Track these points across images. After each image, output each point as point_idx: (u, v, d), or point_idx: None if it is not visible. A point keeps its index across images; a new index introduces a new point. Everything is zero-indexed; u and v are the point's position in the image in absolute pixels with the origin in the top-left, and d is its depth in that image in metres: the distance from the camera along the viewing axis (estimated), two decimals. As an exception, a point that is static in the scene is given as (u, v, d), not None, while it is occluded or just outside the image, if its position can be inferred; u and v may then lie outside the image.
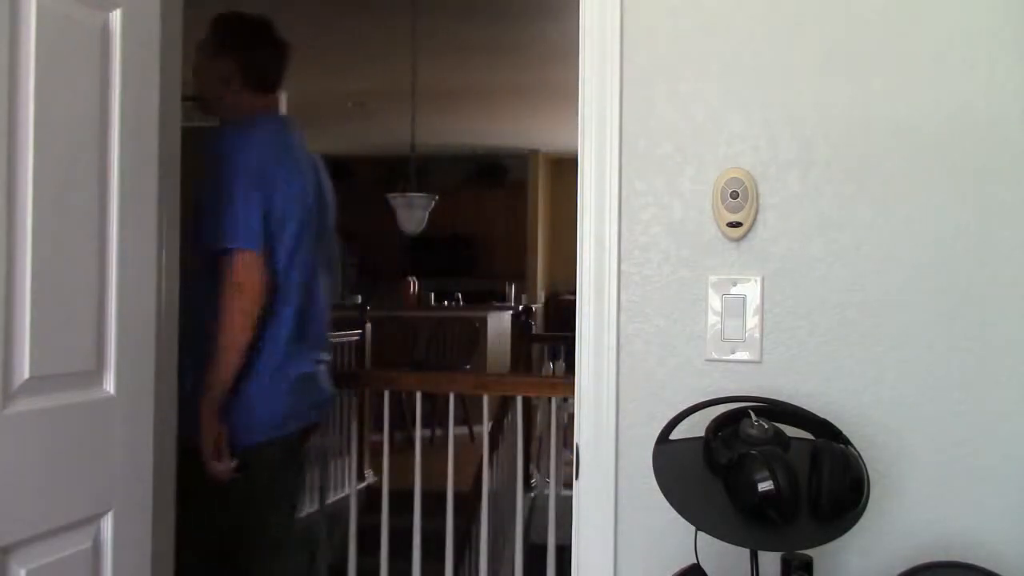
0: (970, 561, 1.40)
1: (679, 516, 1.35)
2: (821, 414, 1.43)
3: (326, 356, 2.58)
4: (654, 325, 1.62)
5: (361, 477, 5.32)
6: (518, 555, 3.18)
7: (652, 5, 1.62)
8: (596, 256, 1.64)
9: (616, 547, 1.62)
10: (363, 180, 11.18)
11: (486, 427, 3.66)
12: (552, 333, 8.10)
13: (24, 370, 1.40)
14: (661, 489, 1.37)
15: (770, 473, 1.25)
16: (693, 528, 1.35)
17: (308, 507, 4.60)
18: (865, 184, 1.54)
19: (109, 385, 1.59)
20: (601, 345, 1.63)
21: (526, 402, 3.84)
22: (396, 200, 6.80)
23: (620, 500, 1.62)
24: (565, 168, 9.51)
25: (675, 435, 1.41)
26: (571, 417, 2.10)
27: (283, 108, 7.97)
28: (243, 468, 2.23)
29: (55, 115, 1.45)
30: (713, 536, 1.34)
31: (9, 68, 1.36)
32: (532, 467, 4.97)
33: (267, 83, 2.43)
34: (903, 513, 1.51)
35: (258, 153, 2.25)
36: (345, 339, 5.64)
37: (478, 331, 7.62)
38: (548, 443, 4.61)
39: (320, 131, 9.70)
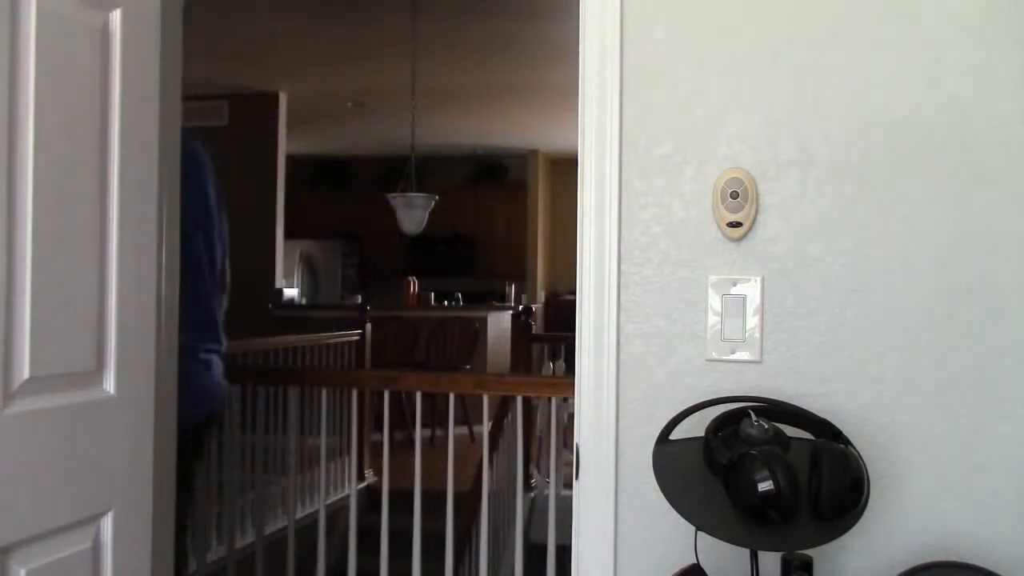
0: (970, 561, 1.40)
1: (679, 516, 1.35)
2: (821, 414, 1.43)
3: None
4: (654, 325, 1.62)
5: (361, 477, 5.33)
6: (518, 555, 3.18)
7: (652, 5, 1.62)
8: (596, 256, 1.64)
9: (616, 547, 1.62)
10: (363, 180, 11.21)
11: (486, 427, 3.66)
12: (552, 333, 8.11)
13: (24, 370, 1.40)
14: (661, 489, 1.37)
15: (770, 473, 1.25)
16: (693, 528, 1.35)
17: (308, 507, 4.62)
18: (865, 184, 1.54)
19: (109, 385, 1.59)
20: (601, 345, 1.63)
21: (526, 402, 3.85)
22: (396, 200, 6.81)
23: (620, 500, 1.62)
24: (565, 168, 9.50)
25: (675, 435, 1.41)
26: (571, 417, 2.10)
27: (283, 108, 7.96)
28: None
29: (55, 115, 1.45)
30: (713, 536, 1.34)
31: (9, 68, 1.36)
32: (532, 467, 4.98)
33: None
34: (903, 513, 1.51)
35: None
36: (345, 339, 5.65)
37: (478, 331, 7.62)
38: (548, 443, 4.61)
39: (320, 131, 9.73)
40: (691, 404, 1.45)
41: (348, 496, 3.57)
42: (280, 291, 7.92)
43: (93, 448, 1.56)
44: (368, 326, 5.77)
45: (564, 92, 5.53)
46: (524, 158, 10.86)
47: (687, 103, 1.60)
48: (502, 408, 4.47)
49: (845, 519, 1.31)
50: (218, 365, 2.43)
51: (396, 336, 7.28)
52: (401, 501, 3.26)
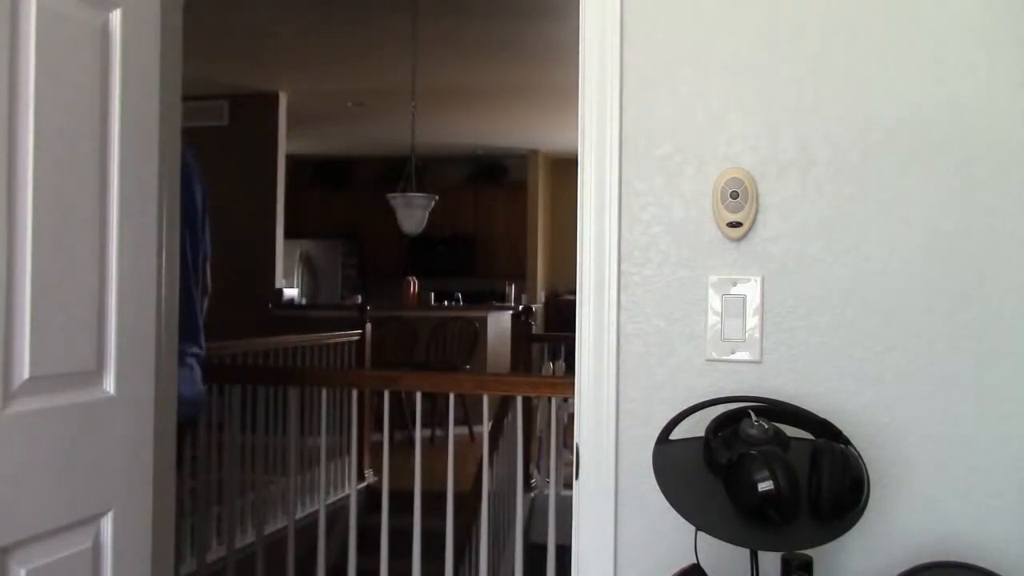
0: (970, 561, 1.40)
1: (679, 516, 1.35)
2: (821, 414, 1.43)
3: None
4: (654, 325, 1.62)
5: (361, 477, 5.33)
6: (518, 555, 3.19)
7: (652, 5, 1.62)
8: (596, 256, 1.64)
9: (616, 547, 1.62)
10: (363, 180, 11.21)
11: (486, 427, 3.66)
12: (552, 333, 8.12)
13: (24, 370, 1.40)
14: (661, 489, 1.37)
15: (770, 473, 1.25)
16: (693, 528, 1.35)
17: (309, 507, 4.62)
18: (865, 184, 1.54)
19: (109, 385, 1.59)
20: (601, 345, 1.63)
21: (526, 402, 3.85)
22: (396, 200, 6.81)
23: (620, 500, 1.62)
24: (565, 168, 9.51)
25: (675, 435, 1.41)
26: (571, 417, 2.10)
27: (283, 108, 7.96)
28: None
29: (55, 115, 1.45)
30: (713, 536, 1.34)
31: (9, 68, 1.36)
32: (532, 467, 4.98)
33: None
34: (903, 513, 1.51)
35: None
36: (345, 339, 5.65)
37: (478, 331, 7.62)
38: (548, 443, 4.61)
39: (320, 131, 9.73)
40: (691, 404, 1.45)
41: (348, 496, 3.57)
42: (280, 291, 7.92)
43: (93, 448, 1.56)
44: (368, 326, 5.77)
45: (564, 92, 5.53)
46: (524, 158, 10.85)
47: (687, 103, 1.60)
48: (502, 408, 4.47)
49: (845, 519, 1.31)
50: (198, 370, 2.44)
51: (396, 336, 7.28)
52: (401, 501, 3.26)
